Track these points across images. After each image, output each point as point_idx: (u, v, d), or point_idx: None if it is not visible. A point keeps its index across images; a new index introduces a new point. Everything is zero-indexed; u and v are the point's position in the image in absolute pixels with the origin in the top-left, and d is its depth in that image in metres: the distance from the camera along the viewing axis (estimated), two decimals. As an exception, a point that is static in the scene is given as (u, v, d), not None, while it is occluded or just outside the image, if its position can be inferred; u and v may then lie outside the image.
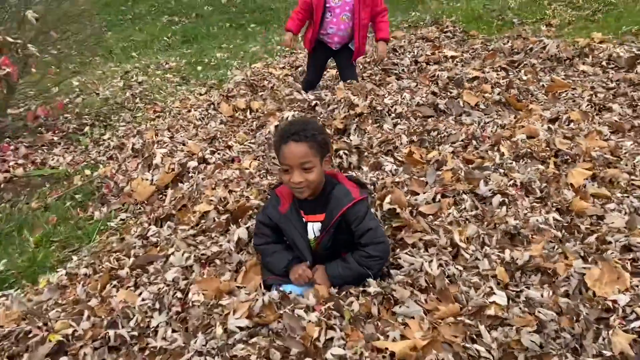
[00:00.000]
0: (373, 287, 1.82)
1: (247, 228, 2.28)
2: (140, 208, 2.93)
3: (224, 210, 2.46)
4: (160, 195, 2.96)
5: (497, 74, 3.73)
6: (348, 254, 1.99)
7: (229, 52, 6.29)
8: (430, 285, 1.85)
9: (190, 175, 2.98)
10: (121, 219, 2.83)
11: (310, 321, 1.68)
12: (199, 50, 6.64)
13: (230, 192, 2.63)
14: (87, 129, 4.24)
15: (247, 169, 2.87)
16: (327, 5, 3.55)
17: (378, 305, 1.78)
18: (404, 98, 3.36)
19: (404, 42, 5.17)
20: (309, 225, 1.99)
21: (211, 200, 2.55)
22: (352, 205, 1.90)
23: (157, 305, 1.90)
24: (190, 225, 2.45)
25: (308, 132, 1.82)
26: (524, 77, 3.70)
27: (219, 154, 3.11)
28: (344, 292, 1.85)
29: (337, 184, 1.99)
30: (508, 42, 4.46)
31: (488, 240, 2.08)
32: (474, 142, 2.84)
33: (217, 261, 2.15)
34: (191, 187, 2.78)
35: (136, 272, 2.14)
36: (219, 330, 1.73)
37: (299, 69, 4.80)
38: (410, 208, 2.28)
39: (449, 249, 2.03)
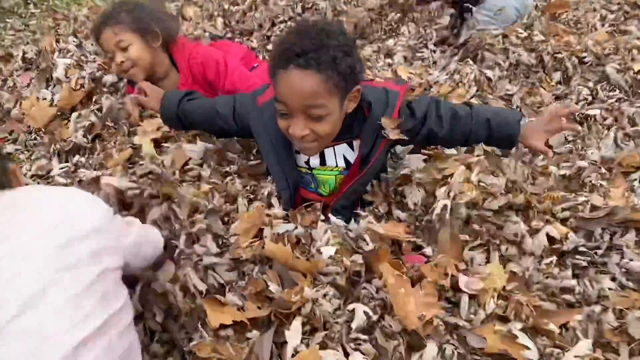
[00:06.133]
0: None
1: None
2: (36, 138, 2.17)
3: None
4: (65, 122, 2.19)
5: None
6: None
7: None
8: None
9: (106, 96, 2.21)
10: (7, 153, 2.06)
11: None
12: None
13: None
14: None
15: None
16: None
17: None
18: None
19: None
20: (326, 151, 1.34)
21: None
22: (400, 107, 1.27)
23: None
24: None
25: (325, 54, 1.08)
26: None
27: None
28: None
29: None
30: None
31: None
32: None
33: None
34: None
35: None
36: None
37: None
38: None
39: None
